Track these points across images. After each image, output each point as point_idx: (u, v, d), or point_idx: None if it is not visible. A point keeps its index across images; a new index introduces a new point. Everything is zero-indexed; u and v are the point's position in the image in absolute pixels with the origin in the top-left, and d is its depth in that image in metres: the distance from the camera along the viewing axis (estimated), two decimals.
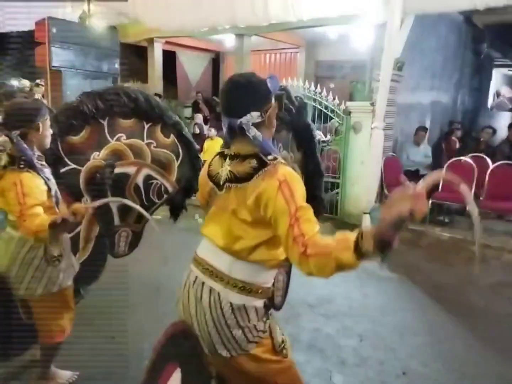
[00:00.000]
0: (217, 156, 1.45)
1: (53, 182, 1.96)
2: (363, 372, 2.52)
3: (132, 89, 2.46)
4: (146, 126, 2.46)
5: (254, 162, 1.30)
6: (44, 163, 1.95)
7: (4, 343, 2.00)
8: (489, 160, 5.27)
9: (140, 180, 2.48)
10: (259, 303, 1.39)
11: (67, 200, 2.13)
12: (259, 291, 1.37)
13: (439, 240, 4.86)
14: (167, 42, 8.16)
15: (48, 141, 1.99)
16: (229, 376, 1.41)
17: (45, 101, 5.67)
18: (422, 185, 0.98)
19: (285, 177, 1.25)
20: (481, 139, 6.34)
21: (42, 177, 1.88)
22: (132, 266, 2.78)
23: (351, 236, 1.07)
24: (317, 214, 2.46)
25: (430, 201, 5.10)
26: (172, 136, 2.56)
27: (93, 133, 2.34)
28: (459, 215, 5.35)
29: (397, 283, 3.73)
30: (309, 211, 1.22)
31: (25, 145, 1.83)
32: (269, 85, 1.32)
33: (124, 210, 2.44)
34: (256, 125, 1.30)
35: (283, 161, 1.33)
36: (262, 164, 1.29)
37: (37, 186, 1.84)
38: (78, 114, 2.27)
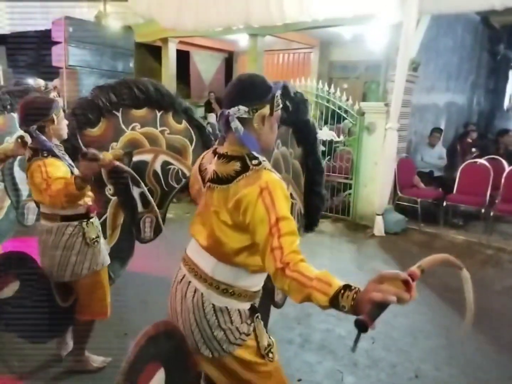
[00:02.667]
0: (211, 151, 1.43)
1: (75, 170, 2.04)
2: (375, 374, 2.51)
3: (141, 80, 2.54)
4: (159, 114, 2.57)
5: (238, 165, 1.27)
6: (63, 152, 2.06)
7: (40, 326, 2.06)
8: (505, 163, 5.19)
9: (158, 167, 2.59)
10: (244, 305, 1.38)
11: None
12: (243, 295, 1.36)
13: (453, 243, 4.80)
14: (181, 42, 8.20)
15: (64, 131, 2.08)
16: (214, 376, 1.40)
17: (60, 100, 5.75)
18: (418, 267, 0.99)
19: (268, 184, 1.20)
20: (500, 142, 6.23)
21: (66, 163, 2.00)
22: (145, 262, 2.81)
23: (334, 283, 1.02)
24: (318, 210, 2.42)
25: (444, 203, 5.06)
26: (184, 122, 2.66)
27: (109, 124, 2.45)
28: (474, 218, 5.28)
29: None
30: (290, 223, 1.17)
31: (43, 137, 1.94)
32: (272, 89, 1.29)
33: (146, 197, 2.51)
34: (243, 122, 1.26)
35: (269, 166, 1.30)
36: (245, 168, 1.26)
37: (60, 166, 1.95)
38: (94, 108, 2.37)
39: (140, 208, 2.58)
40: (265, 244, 1.15)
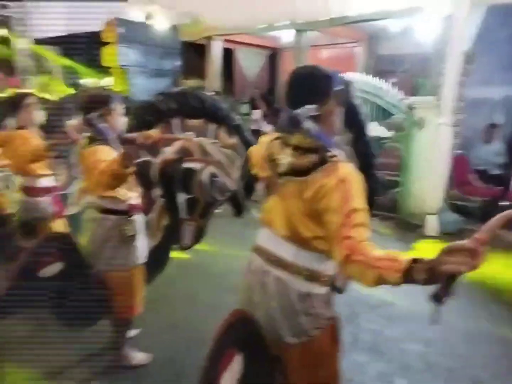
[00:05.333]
0: (276, 140, 1.44)
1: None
2: (429, 378, 2.40)
3: (201, 93, 2.62)
4: (212, 127, 2.62)
5: (314, 157, 1.30)
6: (118, 144, 2.12)
7: (79, 312, 2.14)
8: None
9: (205, 177, 2.58)
10: (324, 290, 1.41)
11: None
12: (323, 279, 1.39)
13: None
14: (225, 40, 8.27)
15: (121, 125, 2.18)
16: (293, 364, 1.41)
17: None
18: (486, 231, 0.94)
19: (345, 176, 1.22)
20: None
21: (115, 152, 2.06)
22: (194, 256, 2.85)
23: (402, 259, 1.03)
24: (374, 193, 2.40)
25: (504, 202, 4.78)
26: (234, 137, 2.69)
27: (165, 129, 2.51)
28: None
29: (470, 288, 3.49)
30: (364, 215, 1.19)
31: (101, 125, 2.06)
32: (332, 80, 1.30)
33: (191, 204, 2.54)
34: (314, 119, 1.28)
35: (344, 158, 1.31)
36: (322, 161, 1.28)
37: (111, 155, 1.97)
38: (153, 111, 2.46)
39: (183, 214, 2.58)
40: (337, 233, 1.18)
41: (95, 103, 2.09)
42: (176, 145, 2.50)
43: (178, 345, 2.59)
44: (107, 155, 1.97)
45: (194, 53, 9.12)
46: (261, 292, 1.41)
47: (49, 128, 2.90)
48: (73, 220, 2.90)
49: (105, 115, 2.09)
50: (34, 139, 2.70)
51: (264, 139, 1.53)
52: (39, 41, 9.48)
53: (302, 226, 1.32)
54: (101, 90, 2.20)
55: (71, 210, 2.99)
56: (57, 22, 8.32)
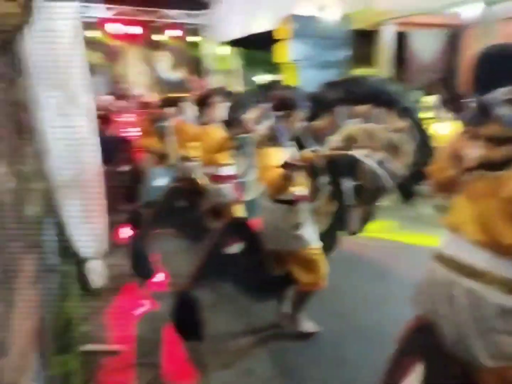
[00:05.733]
0: (463, 135, 1.29)
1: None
2: None
3: (370, 77, 2.63)
4: (382, 111, 2.54)
5: (511, 149, 1.12)
6: (291, 142, 2.33)
7: (256, 286, 2.45)
8: None
9: (372, 164, 2.55)
10: None
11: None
12: None
13: None
14: (399, 24, 7.80)
15: (296, 127, 2.33)
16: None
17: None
18: None
19: None
20: None
21: (286, 152, 2.21)
22: (361, 251, 2.83)
23: None
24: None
25: None
26: (407, 121, 2.57)
27: (332, 118, 2.57)
28: None
29: None
30: None
31: (280, 125, 2.23)
32: None
33: (358, 190, 2.55)
34: (509, 104, 1.11)
35: None
36: None
37: (280, 158, 2.13)
38: (321, 102, 2.53)
39: (350, 199, 2.61)
40: None
41: (282, 106, 2.25)
42: (343, 133, 2.55)
43: (343, 333, 2.64)
44: (276, 159, 2.12)
45: (364, 41, 8.89)
46: (449, 305, 1.26)
47: (229, 121, 3.25)
48: (250, 205, 3.21)
49: (286, 117, 2.24)
50: (219, 132, 3.06)
51: (447, 135, 1.41)
52: (223, 44, 10.61)
53: (501, 230, 1.15)
54: (289, 93, 2.35)
55: (248, 196, 3.29)
56: (236, 25, 9.17)
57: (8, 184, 1.15)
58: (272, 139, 2.25)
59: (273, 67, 9.41)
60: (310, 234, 2.39)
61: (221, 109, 3.16)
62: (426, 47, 9.15)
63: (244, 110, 3.28)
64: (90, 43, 9.50)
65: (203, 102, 3.14)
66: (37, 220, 2.39)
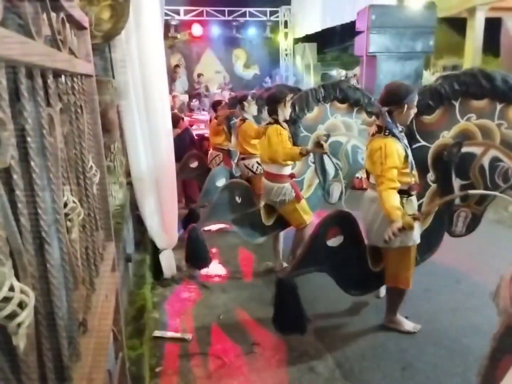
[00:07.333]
0: None
1: (409, 151, 2.27)
2: None
3: (489, 70, 2.45)
4: (499, 107, 2.40)
5: None
6: (403, 134, 2.28)
7: (353, 280, 2.48)
8: None
9: (486, 161, 2.46)
10: None
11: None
12: None
13: None
14: (491, 9, 7.16)
15: (408, 119, 2.30)
16: None
17: (359, 86, 6.08)
18: None
19: None
20: None
21: (402, 144, 2.22)
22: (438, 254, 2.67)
23: None
24: None
25: None
26: None
27: (445, 113, 2.48)
28: None
29: None
30: None
31: (389, 119, 2.21)
32: None
33: (467, 190, 2.44)
34: None
35: None
36: None
37: (396, 151, 2.18)
38: (435, 96, 2.44)
39: (457, 200, 2.53)
40: None
41: (388, 100, 2.22)
42: (456, 128, 2.45)
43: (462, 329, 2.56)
44: (393, 153, 2.15)
45: (451, 29, 8.30)
46: None
47: (294, 120, 3.21)
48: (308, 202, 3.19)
49: (395, 110, 2.21)
50: (285, 133, 2.99)
51: None
52: (299, 40, 10.55)
53: None
54: (398, 86, 2.29)
55: (305, 194, 3.26)
56: (315, 20, 9.05)
57: (95, 178, 1.24)
58: (386, 131, 2.22)
59: (350, 61, 9.18)
60: (414, 232, 2.30)
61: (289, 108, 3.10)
62: None
63: (308, 109, 3.22)
64: (171, 44, 10.02)
65: (272, 101, 3.05)
66: (119, 211, 2.58)
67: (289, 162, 3.03)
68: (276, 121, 2.97)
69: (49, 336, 0.67)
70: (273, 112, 3.00)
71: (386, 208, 2.12)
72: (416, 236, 2.32)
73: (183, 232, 3.48)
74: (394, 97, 2.20)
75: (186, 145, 5.00)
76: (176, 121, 4.82)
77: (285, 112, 3.00)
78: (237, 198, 3.34)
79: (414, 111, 2.25)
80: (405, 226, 2.06)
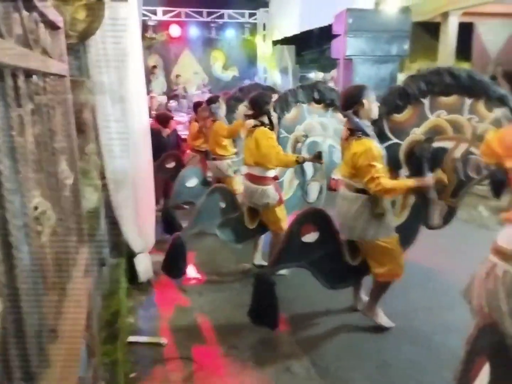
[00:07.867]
0: None
1: (383, 149, 2.36)
2: None
3: (454, 67, 2.53)
4: (468, 102, 2.47)
5: None
6: (373, 132, 2.34)
7: (331, 274, 2.55)
8: None
9: (458, 155, 2.51)
10: None
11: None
12: None
13: None
14: (464, 14, 7.35)
15: (374, 113, 2.36)
16: None
17: (335, 88, 6.15)
18: None
19: None
20: None
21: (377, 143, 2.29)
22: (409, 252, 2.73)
23: None
24: None
25: None
26: (496, 110, 2.45)
27: (415, 111, 2.54)
28: None
29: None
30: None
31: (357, 120, 2.28)
32: None
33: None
34: None
35: None
36: None
37: (379, 151, 2.26)
38: (403, 95, 2.50)
39: (432, 193, 2.56)
40: None
41: (349, 102, 2.32)
42: (427, 124, 2.50)
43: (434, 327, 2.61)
44: (379, 153, 2.23)
45: (425, 34, 8.48)
46: (508, 299, 1.26)
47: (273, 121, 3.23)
48: (287, 204, 3.23)
49: (359, 109, 2.29)
50: (274, 136, 2.98)
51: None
52: (278, 42, 10.59)
53: None
54: (354, 87, 2.38)
55: (284, 196, 3.30)
56: (292, 23, 9.11)
57: (68, 180, 1.22)
58: (358, 133, 2.27)
59: (328, 64, 9.27)
60: (388, 225, 2.41)
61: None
62: (494, 38, 8.56)
63: (287, 110, 3.26)
64: (148, 45, 9.91)
65: (260, 104, 2.98)
66: (92, 214, 2.53)
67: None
68: (263, 124, 2.95)
69: (17, 343, 0.66)
70: (259, 115, 2.96)
71: (403, 190, 2.29)
72: (388, 230, 2.40)
73: (164, 235, 3.43)
74: (352, 99, 2.31)
75: (173, 145, 5.00)
76: (166, 120, 4.79)
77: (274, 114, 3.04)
78: (221, 204, 3.32)
79: (376, 104, 2.35)
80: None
